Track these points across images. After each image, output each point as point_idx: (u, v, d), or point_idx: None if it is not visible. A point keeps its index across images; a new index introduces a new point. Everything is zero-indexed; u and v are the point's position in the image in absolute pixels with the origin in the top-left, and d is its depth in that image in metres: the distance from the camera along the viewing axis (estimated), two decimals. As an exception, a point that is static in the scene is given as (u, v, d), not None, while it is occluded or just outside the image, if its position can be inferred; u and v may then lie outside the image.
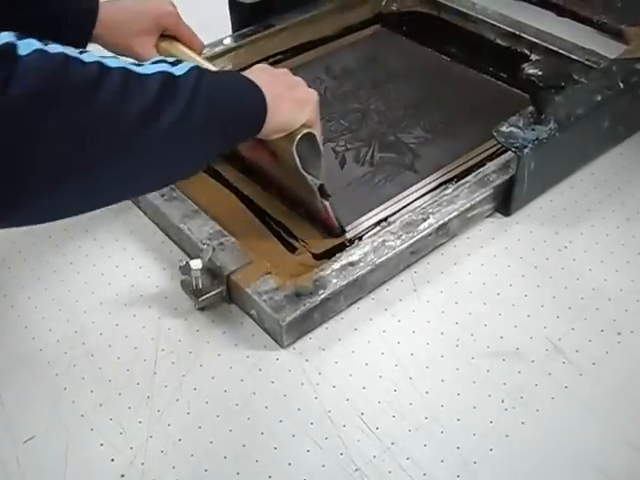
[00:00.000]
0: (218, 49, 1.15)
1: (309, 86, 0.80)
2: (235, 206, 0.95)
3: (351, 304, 0.82)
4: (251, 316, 0.81)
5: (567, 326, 0.78)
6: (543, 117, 0.87)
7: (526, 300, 0.81)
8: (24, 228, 0.72)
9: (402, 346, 0.78)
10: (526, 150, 0.86)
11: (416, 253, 0.85)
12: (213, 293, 0.81)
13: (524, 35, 1.12)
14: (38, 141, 0.54)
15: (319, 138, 0.79)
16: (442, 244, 0.88)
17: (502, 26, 1.15)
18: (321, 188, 0.83)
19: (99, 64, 0.57)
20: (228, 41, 1.17)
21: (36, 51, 0.54)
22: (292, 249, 0.88)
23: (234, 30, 1.20)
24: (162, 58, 0.65)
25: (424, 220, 0.85)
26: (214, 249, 0.81)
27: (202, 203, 0.90)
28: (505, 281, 0.84)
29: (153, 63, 0.64)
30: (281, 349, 0.79)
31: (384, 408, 0.73)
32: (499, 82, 1.12)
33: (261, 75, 0.75)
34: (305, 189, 0.83)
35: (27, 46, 0.53)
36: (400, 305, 0.82)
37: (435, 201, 0.87)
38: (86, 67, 0.56)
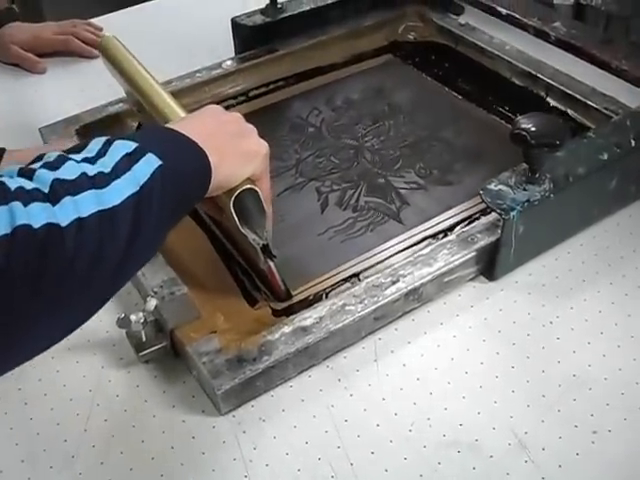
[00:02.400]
0: (217, 72, 1.10)
1: (262, 136, 0.73)
2: (204, 247, 0.89)
3: (302, 371, 0.75)
4: (193, 376, 0.75)
5: (537, 418, 0.70)
6: (537, 176, 0.78)
7: (496, 383, 0.73)
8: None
9: (349, 425, 0.71)
10: (513, 213, 0.77)
11: (381, 319, 0.77)
12: (155, 348, 0.76)
13: (541, 76, 1.03)
14: None
15: (263, 194, 0.71)
16: (414, 309, 0.79)
17: (519, 64, 1.07)
18: (264, 248, 0.76)
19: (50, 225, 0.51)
20: (228, 64, 1.11)
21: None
22: (253, 302, 0.82)
23: (237, 53, 1.14)
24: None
25: (393, 283, 0.77)
26: (159, 300, 0.75)
27: (170, 239, 0.82)
28: (476, 358, 0.75)
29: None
30: (219, 416, 0.72)
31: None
32: (508, 125, 1.02)
33: (205, 124, 0.68)
34: (249, 248, 0.77)
35: None
36: (356, 377, 0.75)
37: (409, 261, 0.79)
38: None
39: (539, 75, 1.04)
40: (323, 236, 0.89)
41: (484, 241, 0.80)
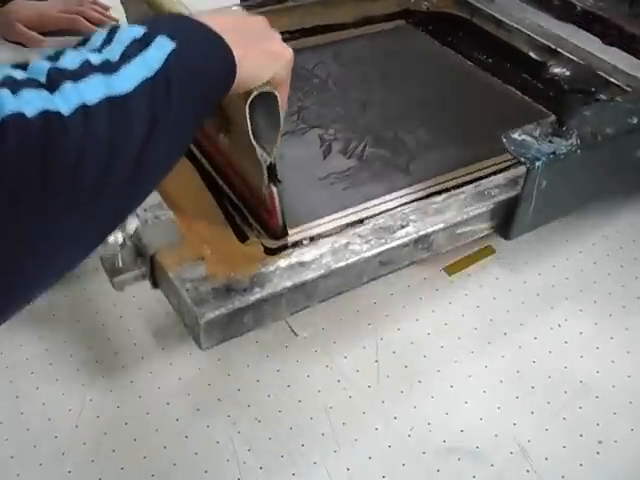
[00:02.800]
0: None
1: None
2: (193, 181, 0.82)
3: (296, 312, 0.71)
4: (173, 307, 0.70)
5: (541, 425, 0.68)
6: (565, 129, 0.75)
7: (500, 388, 0.71)
8: None
9: (347, 428, 0.69)
10: (538, 163, 0.72)
11: (386, 265, 0.72)
12: (132, 273, 0.70)
13: (561, 50, 0.98)
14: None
15: (281, 105, 0.65)
16: (422, 261, 0.76)
17: (538, 38, 1.02)
18: (271, 168, 0.69)
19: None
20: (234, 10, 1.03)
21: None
22: (243, 238, 0.75)
23: (242, 0, 1.10)
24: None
25: (402, 227, 0.72)
26: (141, 223, 0.68)
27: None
28: (481, 361, 0.73)
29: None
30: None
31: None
32: (525, 96, 0.99)
33: (227, 19, 0.60)
34: (253, 168, 0.70)
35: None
36: (356, 377, 0.72)
37: (420, 209, 0.75)
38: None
39: (559, 49, 0.99)
40: (324, 181, 0.85)
41: (502, 196, 0.76)
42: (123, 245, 0.67)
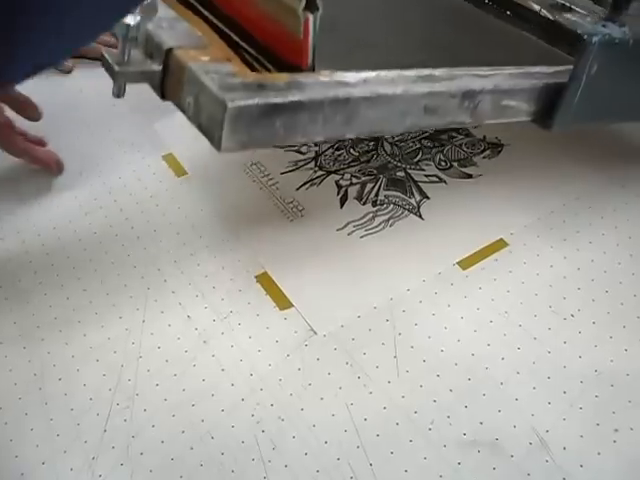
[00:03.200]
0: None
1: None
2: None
3: (330, 147, 0.71)
4: (185, 112, 0.61)
5: (558, 415, 0.69)
6: (620, 16, 0.73)
7: (517, 379, 0.72)
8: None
9: (368, 424, 0.70)
10: (595, 38, 0.70)
11: (431, 114, 0.68)
12: (140, 68, 0.62)
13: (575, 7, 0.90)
14: None
15: None
16: (462, 137, 0.79)
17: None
18: None
19: None
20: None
21: None
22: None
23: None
24: None
25: (450, 79, 0.69)
26: (154, 26, 0.62)
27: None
28: (497, 354, 0.74)
29: None
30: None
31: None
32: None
33: None
34: None
35: None
36: (375, 374, 0.74)
37: (466, 72, 0.71)
38: None
39: (573, 7, 0.95)
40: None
41: (549, 79, 0.74)
42: (134, 39, 0.61)
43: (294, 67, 0.63)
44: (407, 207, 0.90)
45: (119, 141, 1.06)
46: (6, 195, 0.97)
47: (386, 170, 0.96)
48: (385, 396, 0.72)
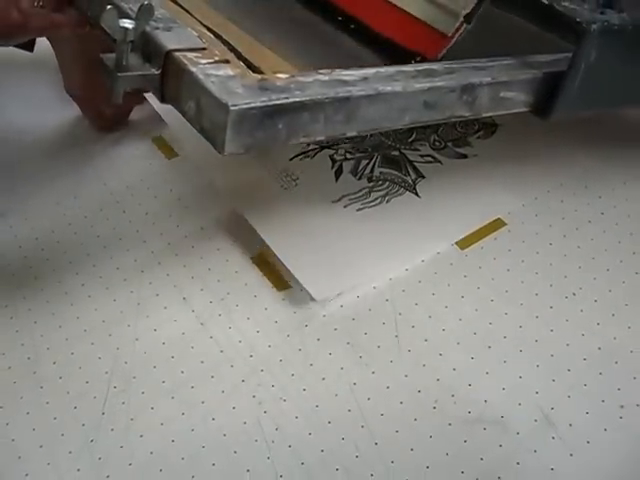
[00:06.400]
0: None
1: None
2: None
3: (332, 142, 0.71)
4: (185, 114, 0.61)
5: (563, 393, 0.69)
6: (618, 2, 0.73)
7: (520, 357, 0.72)
8: None
9: (372, 403, 0.70)
10: (594, 26, 0.70)
11: (431, 109, 0.68)
12: (140, 72, 0.61)
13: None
14: None
15: None
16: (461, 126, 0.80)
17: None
18: None
19: None
20: None
21: None
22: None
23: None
24: None
25: (449, 73, 0.69)
26: (151, 29, 0.61)
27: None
28: (499, 331, 0.74)
29: None
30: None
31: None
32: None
33: None
34: None
35: None
36: (377, 353, 0.74)
37: (465, 65, 0.72)
38: None
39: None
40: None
41: (548, 68, 0.73)
42: (131, 43, 0.60)
43: (423, 57, 0.72)
44: (403, 184, 0.90)
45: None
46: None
47: (381, 148, 0.95)
48: (388, 375, 0.72)
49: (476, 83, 0.69)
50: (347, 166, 0.93)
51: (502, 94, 0.71)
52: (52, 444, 0.69)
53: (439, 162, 0.93)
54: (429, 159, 0.93)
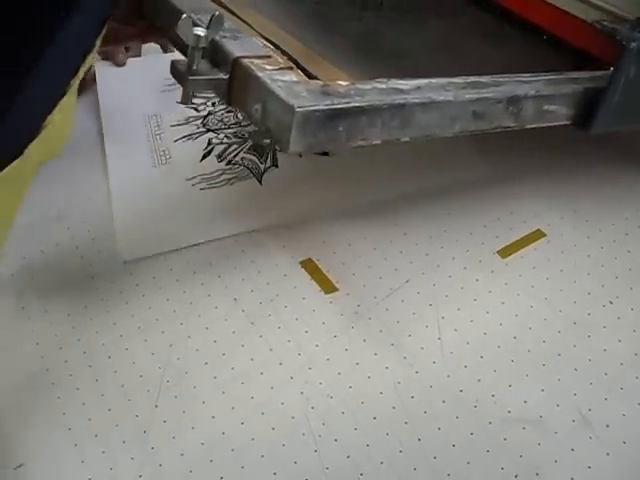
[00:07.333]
0: None
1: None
2: None
3: (388, 141, 0.66)
4: (251, 117, 0.64)
5: (600, 395, 0.71)
6: None
7: (558, 361, 0.74)
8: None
9: (415, 401, 0.72)
10: (634, 44, 0.73)
11: (479, 119, 0.71)
12: (210, 77, 0.65)
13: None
14: None
15: None
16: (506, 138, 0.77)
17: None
18: None
19: None
20: None
21: None
22: None
23: None
24: None
25: (495, 86, 0.72)
26: (219, 37, 0.64)
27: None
28: (539, 336, 0.77)
29: None
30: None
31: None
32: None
33: None
34: None
35: None
36: (420, 355, 0.76)
37: (510, 78, 0.74)
38: None
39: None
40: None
41: (589, 84, 0.76)
42: (203, 50, 0.63)
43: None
44: (254, 170, 0.97)
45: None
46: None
47: (255, 135, 1.02)
48: (431, 375, 0.74)
49: (521, 95, 0.72)
50: (217, 150, 1.00)
51: (545, 107, 0.74)
52: (107, 434, 0.72)
53: (299, 155, 0.99)
54: None
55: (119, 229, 0.90)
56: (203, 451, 0.70)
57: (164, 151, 1.01)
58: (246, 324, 0.80)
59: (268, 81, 0.61)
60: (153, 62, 1.17)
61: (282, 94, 0.59)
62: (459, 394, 0.72)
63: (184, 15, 0.61)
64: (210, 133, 1.03)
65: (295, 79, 0.62)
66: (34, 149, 0.52)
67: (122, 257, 0.86)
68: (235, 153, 0.99)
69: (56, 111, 0.53)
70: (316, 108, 0.59)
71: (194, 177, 0.96)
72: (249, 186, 0.95)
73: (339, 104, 0.60)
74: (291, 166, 0.98)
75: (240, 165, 0.97)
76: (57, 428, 0.72)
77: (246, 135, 1.01)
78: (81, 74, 0.55)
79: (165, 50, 1.16)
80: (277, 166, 0.97)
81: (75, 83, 0.54)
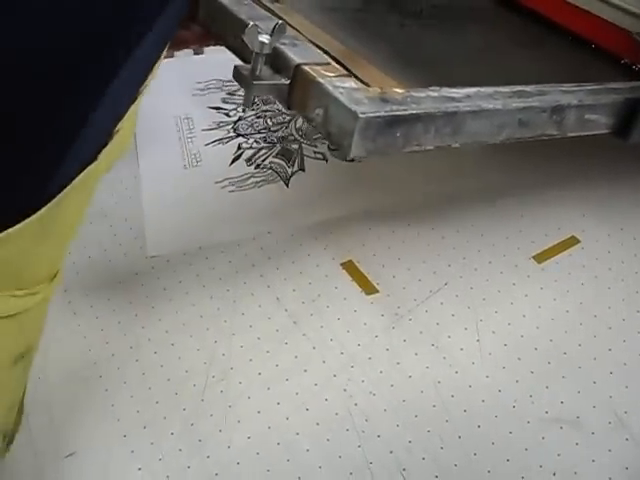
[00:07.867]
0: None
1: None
2: None
3: (440, 147, 0.69)
4: (312, 121, 0.66)
5: (636, 398, 0.73)
6: None
7: (594, 364, 0.77)
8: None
9: (455, 400, 0.75)
10: None
11: (524, 126, 0.73)
12: (272, 82, 0.67)
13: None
14: None
15: None
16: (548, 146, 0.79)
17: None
18: None
19: None
20: None
21: None
22: None
23: None
24: None
25: (540, 95, 0.75)
26: (280, 44, 0.67)
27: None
28: (575, 340, 0.79)
29: None
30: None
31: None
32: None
33: None
34: None
35: None
36: (460, 355, 0.78)
37: (553, 88, 0.77)
38: None
39: None
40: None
41: (629, 94, 0.79)
42: (266, 56, 0.66)
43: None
44: (282, 174, 1.00)
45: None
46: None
47: (285, 141, 1.05)
48: (470, 375, 0.76)
49: (565, 105, 0.74)
50: (246, 154, 1.03)
51: (587, 116, 0.77)
52: (155, 425, 0.74)
53: (325, 160, 1.02)
54: (319, 156, 1.02)
55: (149, 227, 0.93)
56: (249, 444, 0.72)
57: (195, 154, 1.04)
58: (289, 323, 0.82)
59: (330, 88, 0.63)
60: (185, 64, 1.20)
61: (345, 101, 0.62)
62: (498, 394, 0.74)
63: (251, 23, 0.63)
64: (240, 138, 1.06)
65: (355, 86, 0.65)
66: (105, 153, 0.53)
67: (148, 252, 0.90)
68: (264, 157, 1.02)
69: (127, 116, 0.54)
70: (377, 115, 0.62)
71: (223, 180, 0.99)
72: (276, 189, 0.98)
73: (397, 111, 0.63)
74: (317, 170, 1.00)
75: (268, 169, 1.00)
76: (106, 419, 0.74)
77: (275, 140, 1.04)
78: (150, 79, 0.56)
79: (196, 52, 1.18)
80: (304, 170, 1.00)
81: (147, 86, 0.55)
